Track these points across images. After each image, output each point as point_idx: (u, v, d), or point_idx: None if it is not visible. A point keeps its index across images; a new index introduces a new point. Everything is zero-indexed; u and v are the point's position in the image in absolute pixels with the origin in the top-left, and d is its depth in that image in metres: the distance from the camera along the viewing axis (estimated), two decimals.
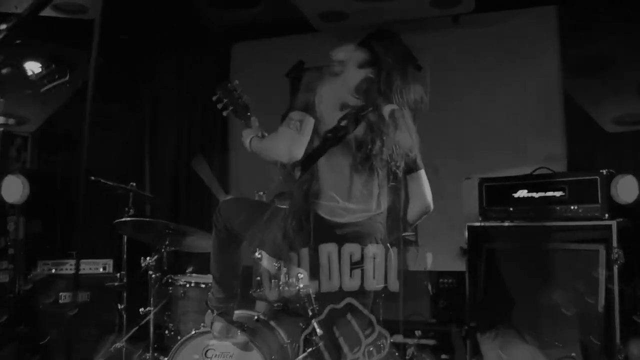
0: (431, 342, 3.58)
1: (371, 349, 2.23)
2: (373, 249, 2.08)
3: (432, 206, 2.32)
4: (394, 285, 2.14)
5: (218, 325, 2.55)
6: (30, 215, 4.71)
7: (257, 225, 2.15)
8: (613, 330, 2.96)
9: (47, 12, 3.83)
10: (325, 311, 2.11)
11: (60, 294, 3.68)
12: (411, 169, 2.27)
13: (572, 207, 3.26)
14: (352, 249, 2.05)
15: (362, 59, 2.18)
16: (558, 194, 3.34)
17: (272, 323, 2.94)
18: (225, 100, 2.30)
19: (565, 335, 3.08)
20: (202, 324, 2.74)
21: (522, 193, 3.47)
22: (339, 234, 2.06)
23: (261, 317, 2.91)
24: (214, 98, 2.31)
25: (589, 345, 3.03)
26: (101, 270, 3.96)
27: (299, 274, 2.83)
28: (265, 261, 2.83)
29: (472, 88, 4.40)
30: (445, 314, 4.18)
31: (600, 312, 3.03)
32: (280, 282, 2.80)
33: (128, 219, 3.06)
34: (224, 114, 2.31)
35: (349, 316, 2.12)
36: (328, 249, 2.03)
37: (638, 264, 3.15)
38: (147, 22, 4.68)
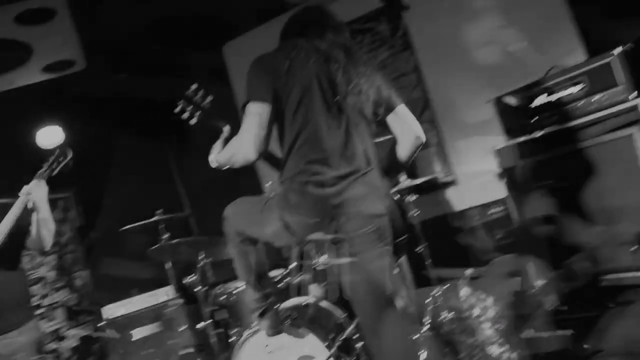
0: None
1: None
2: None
3: (423, 137, 2.18)
4: None
5: (265, 323, 2.58)
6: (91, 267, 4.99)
7: (258, 221, 2.10)
8: None
9: (38, 77, 3.98)
10: None
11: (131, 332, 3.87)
12: (390, 107, 2.15)
13: (595, 98, 3.05)
14: None
15: None
16: (577, 88, 3.13)
17: (323, 304, 2.94)
18: (189, 108, 2.20)
19: None
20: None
21: (541, 100, 3.28)
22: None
23: (310, 301, 2.92)
24: (176, 110, 2.21)
25: None
26: (165, 297, 4.11)
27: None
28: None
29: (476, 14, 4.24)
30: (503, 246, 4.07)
31: None
32: (313, 263, 2.81)
33: (156, 246, 3.15)
34: (191, 122, 2.20)
35: None
36: None
37: None
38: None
